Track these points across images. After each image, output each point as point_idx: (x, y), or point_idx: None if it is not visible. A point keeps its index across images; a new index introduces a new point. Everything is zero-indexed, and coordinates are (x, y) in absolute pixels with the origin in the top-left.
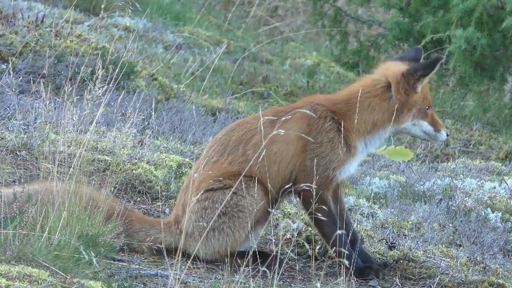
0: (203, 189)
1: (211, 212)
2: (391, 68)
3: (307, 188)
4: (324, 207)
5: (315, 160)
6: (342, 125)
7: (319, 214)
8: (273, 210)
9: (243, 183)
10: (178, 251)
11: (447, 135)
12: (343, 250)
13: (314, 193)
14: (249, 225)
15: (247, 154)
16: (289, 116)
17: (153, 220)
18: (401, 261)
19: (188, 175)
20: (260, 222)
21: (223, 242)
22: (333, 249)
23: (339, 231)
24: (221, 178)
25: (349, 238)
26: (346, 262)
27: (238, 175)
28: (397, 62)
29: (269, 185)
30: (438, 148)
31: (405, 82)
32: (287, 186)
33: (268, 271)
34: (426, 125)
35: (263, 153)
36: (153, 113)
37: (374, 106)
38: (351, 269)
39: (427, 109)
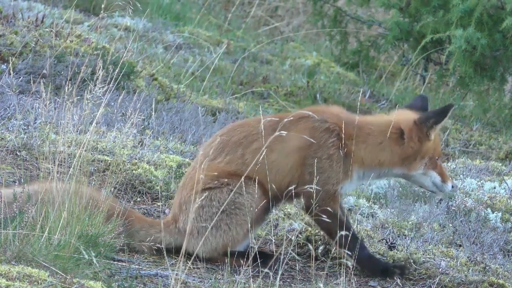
0: (200, 187)
1: (209, 210)
2: (403, 115)
3: (310, 190)
4: (335, 219)
5: (314, 174)
6: (345, 147)
7: (323, 216)
8: (272, 210)
9: (242, 182)
10: (182, 250)
11: (452, 187)
12: (348, 251)
13: (315, 197)
14: (247, 223)
15: (245, 158)
16: (293, 125)
17: (152, 221)
18: (401, 261)
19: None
20: (257, 222)
21: (220, 239)
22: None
23: (347, 232)
24: (218, 177)
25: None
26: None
27: (234, 174)
28: (406, 110)
29: (272, 186)
30: None
31: (417, 129)
32: (290, 188)
33: (269, 272)
34: (435, 175)
35: (264, 157)
36: (153, 113)
37: (386, 146)
38: (352, 266)
39: (437, 159)
